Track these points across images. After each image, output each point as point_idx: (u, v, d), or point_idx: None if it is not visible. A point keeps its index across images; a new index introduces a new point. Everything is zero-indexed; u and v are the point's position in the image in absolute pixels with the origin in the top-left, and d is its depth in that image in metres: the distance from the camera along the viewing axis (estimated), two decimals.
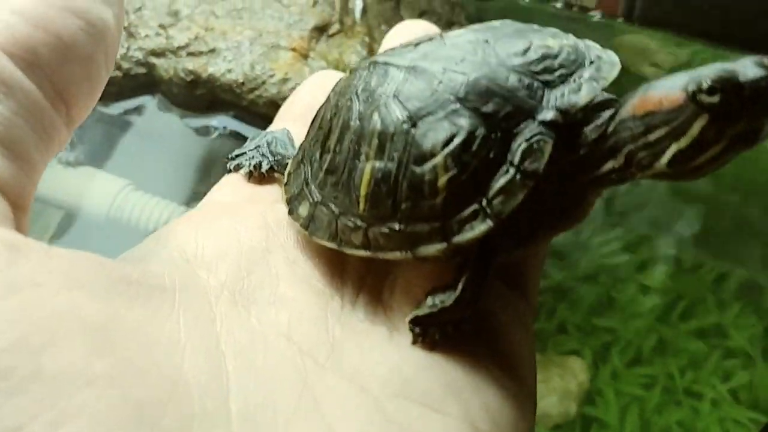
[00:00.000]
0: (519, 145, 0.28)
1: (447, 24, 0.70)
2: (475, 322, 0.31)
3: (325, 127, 0.33)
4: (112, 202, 0.61)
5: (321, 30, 0.66)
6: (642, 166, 0.28)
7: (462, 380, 0.28)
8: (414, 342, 0.29)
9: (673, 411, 0.67)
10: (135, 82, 0.65)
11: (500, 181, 0.28)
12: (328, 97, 0.34)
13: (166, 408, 0.22)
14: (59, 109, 0.25)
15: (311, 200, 0.33)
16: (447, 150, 0.28)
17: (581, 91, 0.29)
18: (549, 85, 0.29)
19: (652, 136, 0.27)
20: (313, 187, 0.33)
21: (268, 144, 0.37)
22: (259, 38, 0.64)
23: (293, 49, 0.63)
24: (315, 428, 0.25)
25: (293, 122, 0.38)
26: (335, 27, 0.67)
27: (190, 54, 0.63)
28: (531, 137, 0.28)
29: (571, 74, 0.30)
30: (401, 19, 0.71)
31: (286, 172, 0.36)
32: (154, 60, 0.64)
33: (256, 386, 0.25)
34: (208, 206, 0.35)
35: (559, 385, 0.68)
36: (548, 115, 0.28)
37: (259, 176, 0.37)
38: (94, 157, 0.64)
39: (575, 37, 0.32)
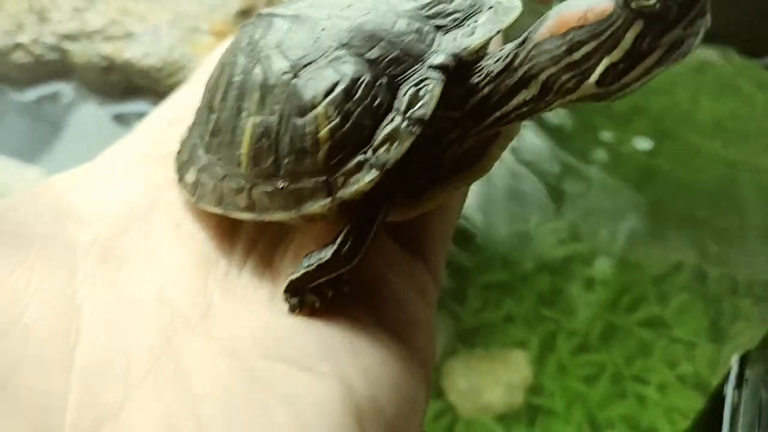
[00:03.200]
0: (406, 91, 0.27)
1: None
2: (363, 287, 0.29)
3: (212, 87, 0.31)
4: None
5: (246, 14, 0.64)
6: (566, 90, 0.26)
7: (340, 343, 0.27)
8: (292, 311, 0.27)
9: (618, 403, 0.66)
10: (48, 68, 0.62)
11: (386, 130, 0.26)
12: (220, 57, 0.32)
13: None
14: None
15: (198, 165, 0.31)
16: (328, 99, 0.26)
17: (475, 34, 0.27)
18: (441, 29, 0.28)
19: (577, 54, 0.25)
20: (200, 151, 0.31)
21: None
22: (178, 21, 0.61)
23: (214, 33, 0.61)
24: (171, 387, 0.23)
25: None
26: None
27: (105, 38, 0.60)
28: (419, 82, 0.27)
29: (466, 18, 0.28)
30: None
31: (180, 140, 0.34)
32: (68, 45, 0.61)
33: (110, 342, 0.24)
34: (95, 164, 0.34)
35: (504, 377, 0.67)
36: (438, 58, 0.27)
37: None
38: (7, 147, 0.61)
39: None
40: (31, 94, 0.62)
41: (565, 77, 0.26)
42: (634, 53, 0.24)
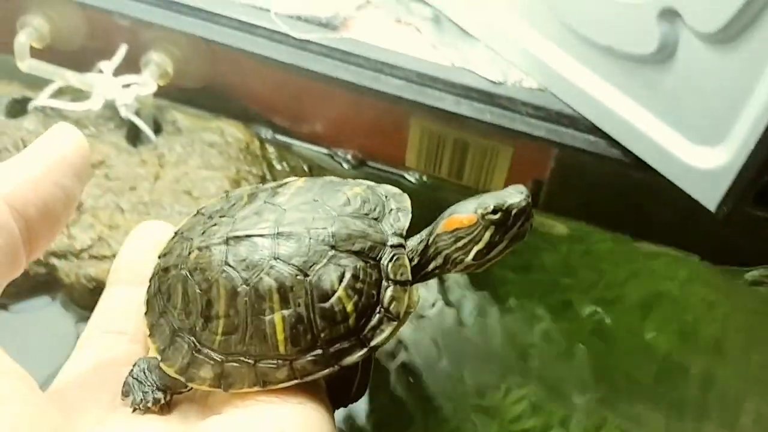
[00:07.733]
0: (387, 266, 0.39)
1: None
2: None
3: (200, 299, 0.39)
4: None
5: None
6: (456, 262, 0.42)
7: None
8: None
9: None
10: (34, 282, 0.62)
11: (388, 293, 0.39)
12: (177, 275, 0.40)
13: None
14: (26, 248, 0.34)
15: (211, 361, 0.39)
16: (343, 284, 0.38)
17: (402, 219, 0.42)
18: (377, 220, 0.41)
19: (460, 243, 0.41)
20: (206, 351, 0.39)
21: (148, 373, 0.40)
22: None
23: None
24: None
25: (127, 285, 0.44)
26: None
27: (92, 257, 0.61)
28: (392, 258, 0.40)
29: (383, 209, 0.42)
30: None
31: (158, 348, 0.40)
32: (55, 261, 0.61)
33: None
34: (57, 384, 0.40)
35: None
36: (394, 240, 0.40)
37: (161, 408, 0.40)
38: None
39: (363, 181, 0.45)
40: (17, 307, 0.63)
41: (455, 255, 0.41)
42: (492, 243, 0.41)
